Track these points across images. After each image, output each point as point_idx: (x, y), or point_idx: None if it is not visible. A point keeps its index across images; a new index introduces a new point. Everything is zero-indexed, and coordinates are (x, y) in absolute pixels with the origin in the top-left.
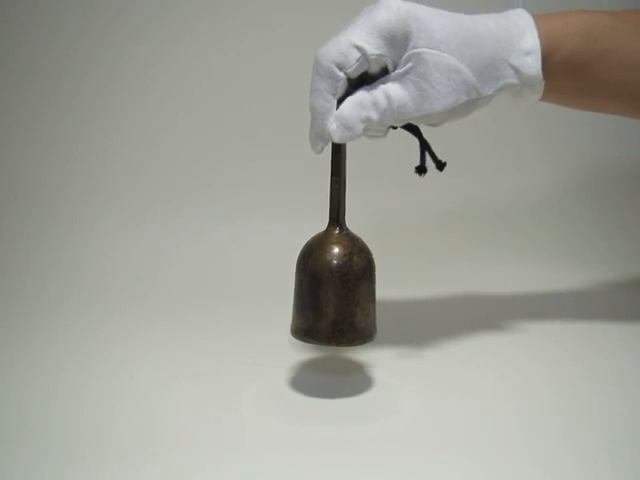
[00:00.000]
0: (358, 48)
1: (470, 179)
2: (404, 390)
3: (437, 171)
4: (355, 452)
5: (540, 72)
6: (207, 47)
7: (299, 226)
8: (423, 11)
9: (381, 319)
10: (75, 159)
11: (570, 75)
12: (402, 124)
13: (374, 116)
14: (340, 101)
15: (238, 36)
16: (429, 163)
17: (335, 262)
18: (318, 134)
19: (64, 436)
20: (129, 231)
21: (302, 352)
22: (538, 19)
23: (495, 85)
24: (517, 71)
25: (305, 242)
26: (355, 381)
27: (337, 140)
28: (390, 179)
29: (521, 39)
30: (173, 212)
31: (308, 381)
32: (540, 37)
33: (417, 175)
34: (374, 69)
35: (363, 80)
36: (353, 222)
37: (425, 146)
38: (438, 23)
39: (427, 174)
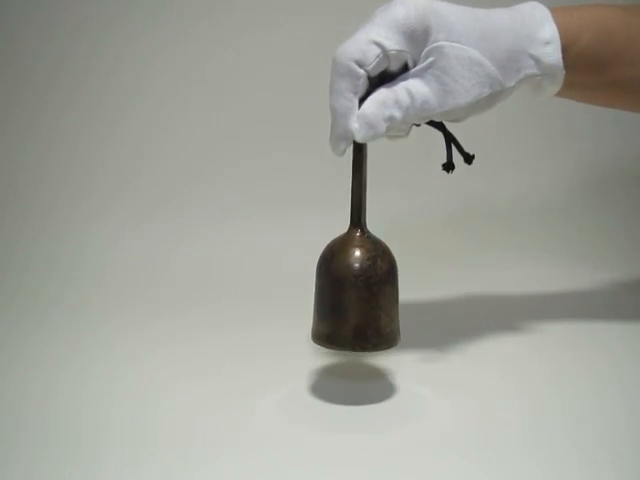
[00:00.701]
0: (377, 44)
1: (472, 179)
2: (426, 396)
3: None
4: (378, 459)
5: (560, 61)
6: (207, 47)
7: (299, 225)
8: (440, 5)
9: None
10: (75, 159)
11: (585, 70)
12: (425, 121)
13: (397, 114)
14: (361, 101)
15: (238, 36)
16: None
17: (358, 265)
18: (340, 135)
19: (64, 436)
20: (129, 231)
21: (307, 352)
22: (553, 12)
23: (516, 76)
24: (537, 61)
25: (307, 241)
26: (374, 386)
27: (360, 140)
28: (391, 181)
29: (539, 29)
30: (173, 212)
31: (321, 383)
32: (557, 29)
33: (445, 172)
34: (394, 66)
35: (383, 79)
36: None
37: (451, 139)
38: (456, 17)
39: (429, 174)
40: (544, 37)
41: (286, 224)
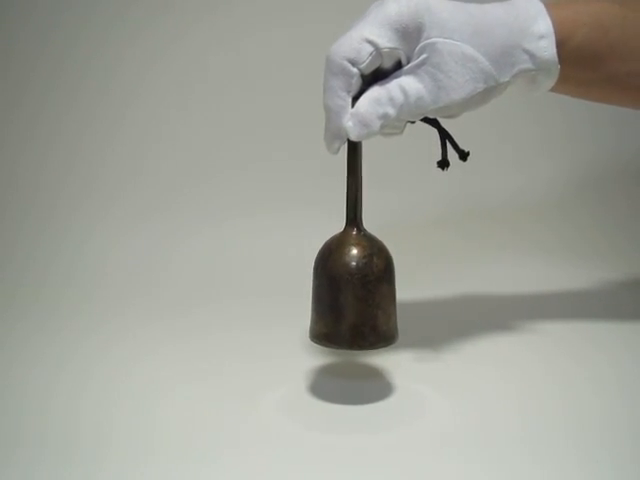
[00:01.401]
0: (370, 42)
1: (469, 177)
2: (424, 395)
3: (440, 168)
4: (376, 458)
5: (555, 55)
6: (208, 46)
7: (299, 225)
8: (433, 2)
9: None
10: (75, 159)
11: (580, 65)
12: (419, 118)
13: (391, 112)
14: (354, 99)
15: (238, 35)
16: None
17: (354, 264)
18: (334, 133)
19: (64, 436)
20: (129, 231)
21: (306, 351)
22: (548, 7)
23: (511, 71)
24: (532, 55)
25: (307, 241)
26: (372, 386)
27: (355, 138)
28: (388, 179)
29: (533, 24)
30: (173, 212)
31: (319, 383)
32: (552, 24)
33: (440, 170)
34: (387, 64)
35: (377, 77)
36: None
37: (446, 136)
38: (449, 13)
39: (425, 173)
40: (539, 31)
41: (286, 224)
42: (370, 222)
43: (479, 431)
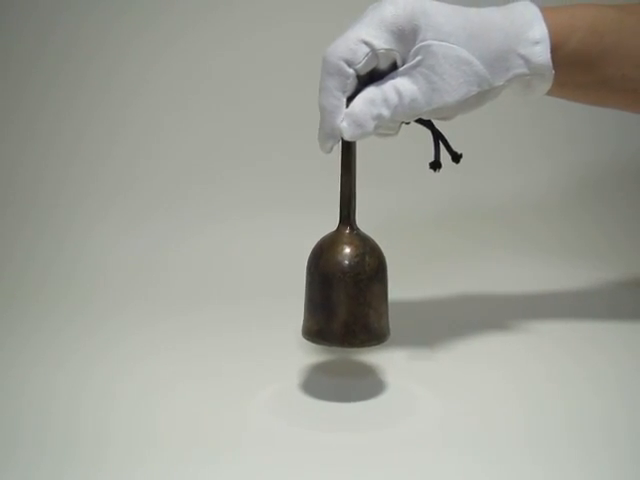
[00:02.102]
0: (366, 43)
1: (468, 178)
2: (416, 393)
3: (432, 169)
4: (368, 456)
5: (549, 60)
6: (208, 46)
7: (299, 225)
8: (429, 5)
9: None
10: (75, 159)
11: (576, 69)
12: (414, 119)
13: (385, 112)
14: (349, 99)
15: (238, 35)
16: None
17: (347, 262)
18: (328, 133)
19: (64, 436)
20: (129, 231)
21: (306, 352)
22: (544, 11)
23: (505, 76)
24: (527, 60)
25: (306, 241)
26: (365, 384)
27: (348, 138)
28: (386, 178)
29: (529, 29)
30: (173, 212)
31: (313, 381)
32: (547, 29)
33: (432, 171)
34: (383, 65)
35: (372, 78)
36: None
37: (440, 137)
38: (445, 16)
39: (423, 172)
40: (534, 37)
41: (284, 224)
42: (367, 221)
43: (474, 430)
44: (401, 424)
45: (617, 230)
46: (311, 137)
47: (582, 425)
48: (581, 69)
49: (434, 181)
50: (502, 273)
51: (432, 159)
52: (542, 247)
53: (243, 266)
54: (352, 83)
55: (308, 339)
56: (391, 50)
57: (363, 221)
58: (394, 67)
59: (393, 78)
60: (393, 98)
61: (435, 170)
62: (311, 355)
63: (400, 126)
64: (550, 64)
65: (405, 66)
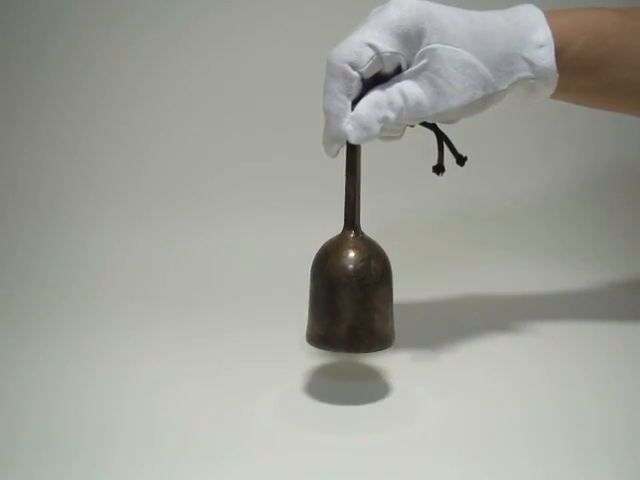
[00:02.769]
0: (371, 46)
1: (470, 180)
2: (420, 395)
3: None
4: (372, 458)
5: (554, 64)
6: (208, 46)
7: (301, 227)
8: (434, 8)
9: None
10: (75, 159)
11: (580, 73)
12: (418, 122)
13: (391, 115)
14: (354, 103)
15: (238, 35)
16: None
17: (352, 267)
18: (333, 136)
19: (64, 436)
20: (129, 231)
21: (308, 354)
22: (548, 15)
23: (510, 79)
24: (531, 64)
25: (309, 242)
26: (368, 386)
27: (354, 141)
28: (387, 182)
29: (533, 33)
30: (173, 212)
31: (315, 383)
32: (551, 32)
33: (435, 175)
34: (388, 68)
35: (377, 81)
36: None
37: (445, 140)
38: (450, 19)
39: (426, 175)
40: (538, 40)
41: (285, 225)
42: (371, 224)
43: (477, 432)
44: (405, 426)
45: (618, 232)
46: (313, 138)
47: (582, 425)
48: (585, 73)
49: (436, 184)
50: (503, 274)
51: (434, 161)
52: (543, 249)
53: (244, 267)
54: (357, 86)
55: (313, 344)
56: (396, 53)
57: (365, 224)
58: (398, 70)
59: (398, 81)
60: (398, 101)
61: (438, 174)
62: (313, 357)
63: (404, 129)
64: (554, 67)
65: (410, 69)
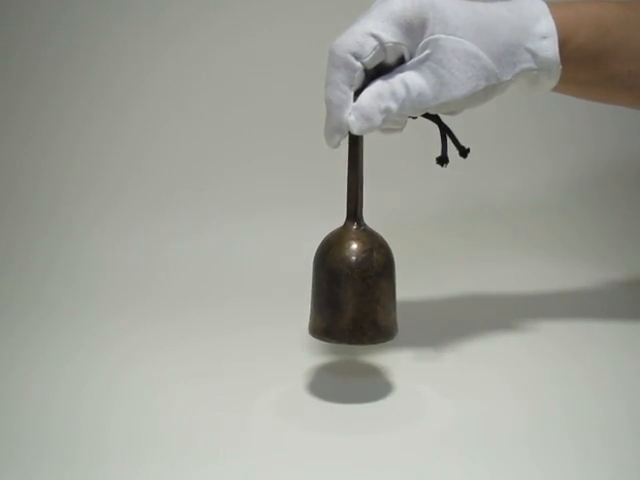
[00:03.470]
0: (374, 36)
1: (469, 177)
2: (422, 394)
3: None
4: (373, 457)
5: (557, 55)
6: (207, 45)
7: (303, 223)
8: None
9: None
10: (75, 159)
11: (582, 65)
12: (421, 113)
13: (393, 106)
14: (356, 94)
15: (238, 34)
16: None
17: (354, 258)
18: (335, 127)
19: (64, 436)
20: (129, 231)
21: (309, 353)
22: (551, 6)
23: (513, 70)
24: (534, 55)
25: (311, 239)
26: (370, 384)
27: (356, 132)
28: (389, 178)
29: (536, 24)
30: (173, 212)
31: (317, 382)
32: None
33: (439, 166)
34: (391, 59)
35: (379, 72)
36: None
37: (447, 132)
38: (453, 10)
39: (427, 171)
40: (541, 31)
41: (286, 223)
42: (371, 220)
43: (479, 430)
44: (407, 424)
45: (618, 230)
46: (314, 135)
47: (582, 425)
48: (587, 65)
49: (435, 180)
50: (503, 272)
51: (432, 158)
52: (543, 246)
53: (242, 266)
54: (359, 77)
55: (315, 336)
56: (399, 44)
57: (365, 220)
58: (401, 61)
59: (401, 72)
60: (401, 92)
61: (442, 165)
62: (315, 355)
63: (406, 121)
64: (558, 59)
65: (413, 60)
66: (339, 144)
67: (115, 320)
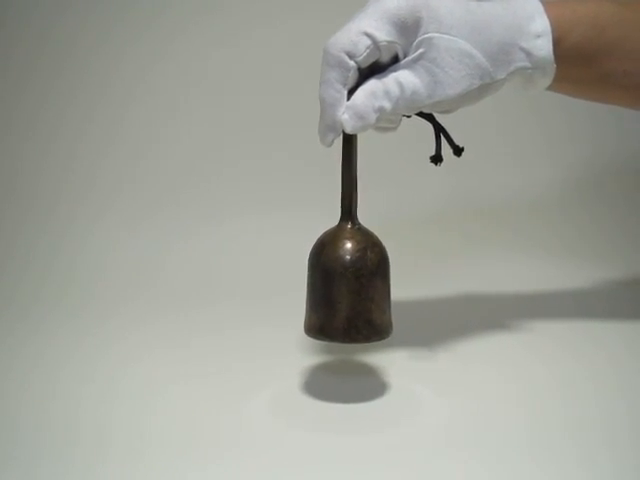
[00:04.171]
0: (368, 35)
1: (467, 176)
2: (417, 393)
3: (434, 164)
4: (369, 456)
5: (551, 54)
6: (206, 45)
7: (299, 223)
8: None
9: None
10: (75, 159)
11: (577, 64)
12: (415, 112)
13: (387, 105)
14: (350, 92)
15: (236, 35)
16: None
17: (348, 257)
18: (329, 125)
19: (64, 436)
20: (129, 231)
21: (306, 353)
22: (546, 5)
23: (507, 69)
24: (528, 54)
25: (306, 239)
26: (365, 384)
27: (350, 130)
28: (385, 177)
29: (531, 22)
30: (173, 212)
31: (313, 381)
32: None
33: (433, 165)
34: (385, 58)
35: (373, 71)
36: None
37: (441, 131)
38: (447, 8)
39: (423, 170)
40: (535, 30)
41: (284, 223)
42: (367, 219)
43: (474, 429)
44: (402, 424)
45: (617, 229)
46: (309, 135)
47: (580, 425)
48: (582, 64)
49: (431, 180)
50: (500, 272)
51: (427, 157)
52: (541, 246)
53: (242, 266)
54: (353, 76)
55: (310, 335)
56: (393, 42)
57: (360, 220)
58: (395, 60)
59: (395, 71)
60: (395, 90)
61: (436, 164)
62: (311, 355)
63: (400, 120)
64: (552, 58)
65: (407, 59)
66: (333, 143)
67: (115, 320)
